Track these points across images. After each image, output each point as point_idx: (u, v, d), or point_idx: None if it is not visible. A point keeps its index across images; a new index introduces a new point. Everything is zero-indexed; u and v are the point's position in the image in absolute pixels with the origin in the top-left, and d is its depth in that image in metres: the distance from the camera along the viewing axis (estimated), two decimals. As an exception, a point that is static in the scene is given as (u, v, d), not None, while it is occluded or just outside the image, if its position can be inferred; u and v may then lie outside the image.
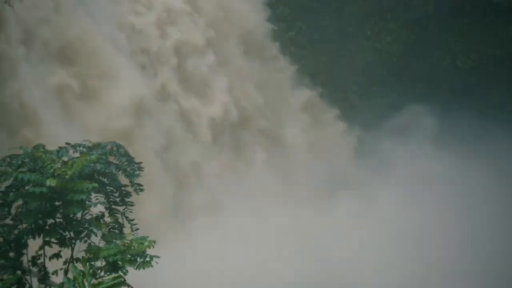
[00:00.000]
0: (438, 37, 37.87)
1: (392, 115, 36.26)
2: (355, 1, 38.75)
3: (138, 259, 10.87)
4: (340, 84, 38.60)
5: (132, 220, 12.19)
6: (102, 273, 10.92)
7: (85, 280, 8.39)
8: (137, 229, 11.95)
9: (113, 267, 10.79)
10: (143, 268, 10.76)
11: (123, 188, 12.23)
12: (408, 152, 33.52)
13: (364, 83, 38.45)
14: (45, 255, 11.97)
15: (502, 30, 36.75)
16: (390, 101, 37.83)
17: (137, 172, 12.24)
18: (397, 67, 38.38)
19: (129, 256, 10.80)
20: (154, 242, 11.10)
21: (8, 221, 11.86)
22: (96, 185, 11.48)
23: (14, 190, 11.67)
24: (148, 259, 10.89)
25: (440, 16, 37.69)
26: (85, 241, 11.80)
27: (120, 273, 10.64)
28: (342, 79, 38.57)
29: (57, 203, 11.43)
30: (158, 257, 11.00)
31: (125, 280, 10.31)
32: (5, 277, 11.33)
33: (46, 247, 11.91)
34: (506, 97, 35.44)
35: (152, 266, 10.82)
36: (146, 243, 10.93)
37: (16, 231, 11.74)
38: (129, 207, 12.29)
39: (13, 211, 11.88)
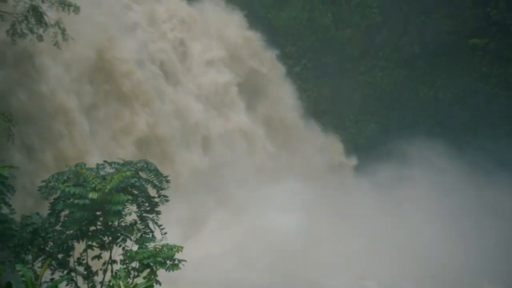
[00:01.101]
0: (423, 73, 37.86)
1: (383, 139, 36.27)
2: (352, 42, 38.88)
3: (168, 262, 10.80)
4: (339, 112, 38.57)
5: (161, 225, 12.04)
6: (137, 273, 11.04)
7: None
8: (165, 233, 11.78)
9: (146, 268, 10.82)
10: (172, 270, 10.72)
11: (152, 199, 12.13)
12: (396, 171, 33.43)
13: (360, 112, 38.41)
14: (88, 257, 11.86)
15: (477, 67, 36.68)
16: (381, 127, 37.80)
17: (164, 185, 12.16)
18: (388, 98, 38.36)
19: (160, 259, 10.78)
20: (182, 247, 11.04)
21: (57, 227, 11.81)
22: (130, 197, 11.52)
23: (61, 201, 11.60)
24: (176, 262, 10.84)
25: (425, 56, 37.72)
26: (121, 245, 11.79)
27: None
28: (341, 108, 38.54)
29: (97, 213, 11.42)
30: (185, 260, 10.94)
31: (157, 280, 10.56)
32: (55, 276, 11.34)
33: (89, 250, 11.88)
34: (480, 123, 35.21)
35: (180, 268, 10.78)
36: (175, 249, 10.89)
37: (63, 236, 11.69)
38: (157, 215, 12.16)
39: (61, 219, 11.77)
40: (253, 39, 37.57)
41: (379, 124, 37.55)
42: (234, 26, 37.35)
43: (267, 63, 37.97)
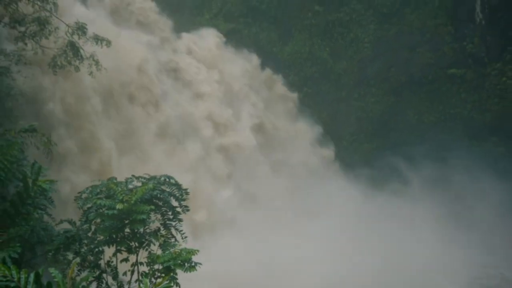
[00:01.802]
0: (409, 100, 37.82)
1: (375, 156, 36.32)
2: (347, 73, 38.99)
3: (186, 264, 10.76)
4: (336, 133, 38.57)
5: (182, 231, 12.05)
6: (160, 274, 11.01)
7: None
8: (186, 237, 11.87)
9: (167, 270, 10.76)
10: (189, 272, 10.68)
11: (175, 208, 12.16)
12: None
13: (354, 133, 38.34)
14: (117, 260, 11.86)
15: (455, 94, 36.65)
16: (373, 146, 37.75)
17: (184, 196, 12.17)
18: (379, 121, 38.36)
19: (179, 261, 10.74)
20: (198, 251, 11.04)
21: (90, 234, 11.83)
22: (153, 207, 11.59)
23: (93, 211, 11.61)
24: (193, 264, 10.81)
25: (410, 84, 37.71)
26: (146, 249, 11.74)
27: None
28: (338, 130, 38.53)
29: (125, 221, 11.37)
30: (200, 264, 10.90)
31: (177, 279, 10.48)
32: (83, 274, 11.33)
33: (118, 254, 11.81)
34: (460, 145, 35.08)
35: (196, 270, 10.74)
36: (192, 252, 10.90)
37: (95, 242, 11.67)
38: (179, 222, 12.18)
39: (93, 227, 11.82)
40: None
41: (371, 144, 37.43)
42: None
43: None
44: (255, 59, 38.18)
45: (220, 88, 34.69)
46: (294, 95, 38.69)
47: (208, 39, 36.98)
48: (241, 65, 37.26)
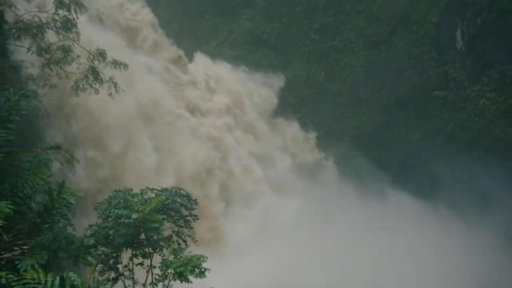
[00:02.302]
0: (397, 118, 37.89)
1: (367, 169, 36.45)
2: (341, 94, 39.10)
3: (196, 270, 10.78)
4: (332, 148, 38.71)
5: (192, 237, 12.16)
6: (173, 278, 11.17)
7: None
8: (196, 240, 12.04)
9: (179, 274, 10.87)
10: (200, 278, 10.68)
11: (185, 217, 12.24)
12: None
13: (348, 149, 38.36)
14: (133, 264, 11.90)
15: (438, 113, 36.69)
16: (365, 160, 37.78)
17: (194, 207, 12.26)
18: (370, 138, 38.43)
19: (190, 267, 10.78)
20: (207, 257, 11.10)
21: (108, 241, 11.90)
22: (165, 216, 11.61)
23: (112, 220, 11.67)
24: (202, 270, 10.81)
25: (398, 105, 37.79)
26: (160, 254, 11.77)
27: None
28: (333, 146, 38.62)
29: (140, 229, 11.38)
30: (209, 269, 10.90)
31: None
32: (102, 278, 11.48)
33: (134, 258, 11.83)
34: (444, 160, 35.08)
35: (205, 276, 10.73)
36: (201, 259, 10.93)
37: (113, 247, 11.75)
38: (190, 229, 12.26)
39: (111, 233, 11.83)
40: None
41: (364, 158, 37.44)
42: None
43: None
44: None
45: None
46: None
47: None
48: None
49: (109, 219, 11.87)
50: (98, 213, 12.10)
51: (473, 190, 32.21)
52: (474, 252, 29.69)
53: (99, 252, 11.85)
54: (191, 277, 11.01)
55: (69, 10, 20.81)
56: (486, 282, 28.08)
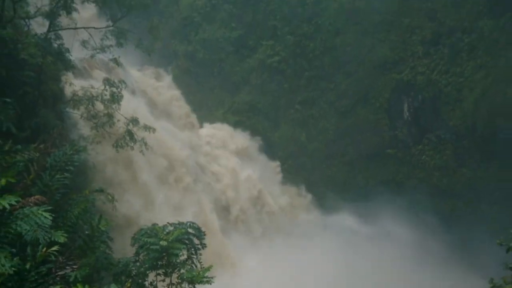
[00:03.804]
0: (359, 169, 38.53)
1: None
2: (318, 151, 39.03)
3: (204, 279, 10.84)
4: (313, 191, 38.57)
5: (201, 262, 12.14)
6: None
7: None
8: (202, 266, 11.90)
9: (191, 282, 10.94)
10: (209, 283, 10.76)
11: (196, 245, 12.23)
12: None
13: (324, 191, 38.21)
14: (157, 280, 11.85)
15: (391, 166, 36.83)
16: (337, 201, 37.50)
17: (203, 236, 12.26)
18: (340, 183, 38.36)
19: (199, 277, 10.86)
20: (211, 266, 11.36)
21: (138, 263, 11.87)
22: (183, 246, 11.61)
23: (141, 246, 11.67)
24: (207, 279, 10.86)
25: (361, 159, 38.14)
26: (177, 274, 11.67)
27: None
28: (313, 189, 38.45)
29: (163, 254, 11.40)
30: (214, 276, 11.01)
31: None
32: None
33: (158, 277, 11.77)
34: (395, 201, 34.93)
35: (210, 284, 10.73)
36: (206, 269, 11.08)
37: (142, 268, 11.70)
38: (199, 256, 12.23)
39: (140, 258, 11.83)
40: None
41: (335, 200, 37.17)
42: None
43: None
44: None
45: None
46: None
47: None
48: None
49: (137, 245, 11.89)
50: (132, 241, 12.13)
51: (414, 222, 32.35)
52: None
53: (133, 272, 11.83)
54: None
55: (114, 87, 21.24)
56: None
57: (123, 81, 22.09)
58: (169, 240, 11.40)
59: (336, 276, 26.59)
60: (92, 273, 10.83)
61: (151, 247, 11.43)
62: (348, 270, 27.32)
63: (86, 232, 11.64)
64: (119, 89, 21.35)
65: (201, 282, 10.95)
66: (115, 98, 21.16)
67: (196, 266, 12.08)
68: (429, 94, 34.97)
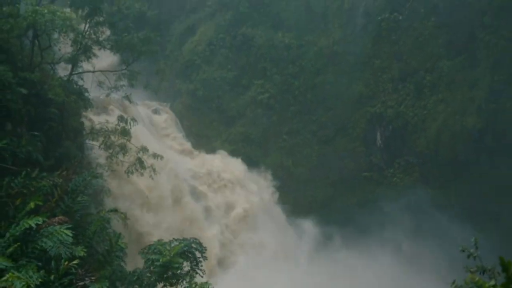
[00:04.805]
0: (340, 190, 37.58)
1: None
2: (303, 175, 38.75)
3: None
4: (298, 210, 38.13)
5: (203, 272, 12.12)
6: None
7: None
8: (203, 275, 11.87)
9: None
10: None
11: (198, 258, 12.22)
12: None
13: (310, 212, 37.69)
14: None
15: (367, 188, 36.69)
16: (320, 220, 37.02)
17: (204, 251, 12.26)
18: (322, 205, 38.09)
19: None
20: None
21: (147, 275, 11.83)
22: (182, 260, 11.61)
23: (149, 261, 11.68)
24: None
25: (341, 181, 37.83)
26: (181, 284, 11.69)
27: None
28: (299, 208, 38.02)
29: (167, 267, 11.44)
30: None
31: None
32: None
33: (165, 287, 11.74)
34: (373, 221, 34.69)
35: None
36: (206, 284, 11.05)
37: (151, 280, 11.69)
38: (201, 267, 12.20)
39: (150, 269, 11.80)
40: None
41: (317, 218, 36.50)
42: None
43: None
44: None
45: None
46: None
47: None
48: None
49: (148, 261, 11.89)
50: (142, 255, 12.14)
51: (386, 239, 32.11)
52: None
53: (144, 282, 11.79)
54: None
55: (126, 123, 21.42)
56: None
57: (134, 119, 22.34)
58: (171, 255, 11.42)
59: None
60: (108, 284, 10.84)
61: (155, 263, 11.49)
62: None
63: (106, 248, 11.66)
64: (129, 125, 21.55)
65: None
66: (126, 133, 21.34)
67: (201, 276, 12.08)
68: (398, 124, 35.40)
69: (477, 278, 5.80)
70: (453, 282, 9.39)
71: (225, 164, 36.03)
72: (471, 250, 9.63)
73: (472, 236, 9.60)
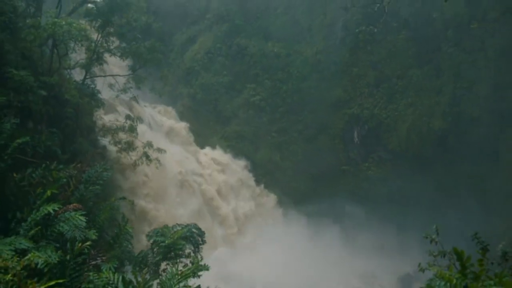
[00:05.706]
0: (322, 183, 37.30)
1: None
2: (290, 168, 38.68)
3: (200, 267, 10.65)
4: (286, 200, 38.30)
5: (201, 255, 12.12)
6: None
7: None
8: (202, 259, 11.81)
9: (193, 273, 10.52)
10: (207, 270, 10.11)
11: (198, 241, 12.26)
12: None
13: (296, 202, 37.77)
14: (167, 269, 11.73)
15: (345, 179, 36.92)
16: (304, 211, 37.08)
17: (204, 235, 12.30)
18: (305, 195, 37.99)
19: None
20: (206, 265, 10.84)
21: (153, 255, 11.84)
22: (185, 243, 11.62)
23: (154, 243, 11.68)
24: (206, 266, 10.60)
25: (321, 175, 37.62)
26: (182, 263, 11.68)
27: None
28: (285, 198, 38.12)
29: (171, 248, 11.45)
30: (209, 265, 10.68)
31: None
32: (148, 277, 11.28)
33: (167, 266, 11.70)
34: (345, 207, 35.09)
35: (208, 270, 10.04)
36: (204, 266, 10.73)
37: (156, 259, 11.70)
38: (200, 250, 12.23)
39: (154, 251, 11.81)
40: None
41: (303, 210, 36.63)
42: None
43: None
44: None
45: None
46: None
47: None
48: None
49: (153, 242, 11.92)
50: (148, 238, 12.16)
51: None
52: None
53: (149, 262, 11.82)
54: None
55: (133, 121, 21.36)
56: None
57: (140, 118, 22.33)
58: (174, 238, 11.47)
59: None
60: (117, 263, 10.87)
61: (160, 244, 11.52)
62: None
63: (115, 231, 11.69)
64: (135, 123, 21.52)
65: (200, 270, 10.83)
66: (133, 129, 21.31)
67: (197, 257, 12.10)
68: (372, 124, 35.59)
69: (446, 274, 5.82)
70: (419, 265, 9.51)
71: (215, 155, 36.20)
72: (433, 236, 9.78)
73: (434, 223, 9.73)
